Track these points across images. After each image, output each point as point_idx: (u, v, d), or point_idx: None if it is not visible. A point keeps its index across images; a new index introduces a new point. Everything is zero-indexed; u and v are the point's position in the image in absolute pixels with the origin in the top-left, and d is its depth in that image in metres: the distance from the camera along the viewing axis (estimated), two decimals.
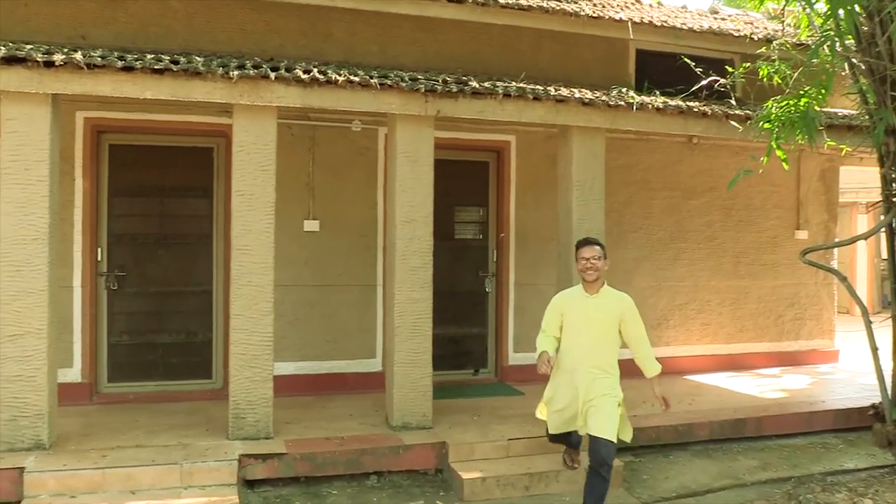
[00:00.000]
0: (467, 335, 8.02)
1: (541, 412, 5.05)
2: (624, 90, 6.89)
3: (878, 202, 6.34)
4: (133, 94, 5.30)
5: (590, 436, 4.55)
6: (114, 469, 4.87)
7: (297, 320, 7.16)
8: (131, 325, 6.94)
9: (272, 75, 5.44)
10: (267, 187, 5.60)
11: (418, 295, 6.02)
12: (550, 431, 5.00)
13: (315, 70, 5.67)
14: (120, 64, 5.16)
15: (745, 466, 6.09)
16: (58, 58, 5.05)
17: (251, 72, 5.40)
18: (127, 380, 6.85)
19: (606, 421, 4.50)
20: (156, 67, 5.24)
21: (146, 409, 6.48)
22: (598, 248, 4.70)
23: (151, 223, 7.02)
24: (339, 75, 5.64)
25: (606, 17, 7.70)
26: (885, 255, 16.28)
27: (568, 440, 5.11)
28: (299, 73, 5.54)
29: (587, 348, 4.66)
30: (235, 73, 5.33)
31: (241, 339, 5.56)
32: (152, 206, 7.03)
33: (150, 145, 6.96)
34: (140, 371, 6.90)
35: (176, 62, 5.36)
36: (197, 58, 5.64)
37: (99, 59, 5.15)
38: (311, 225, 7.20)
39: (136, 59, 5.26)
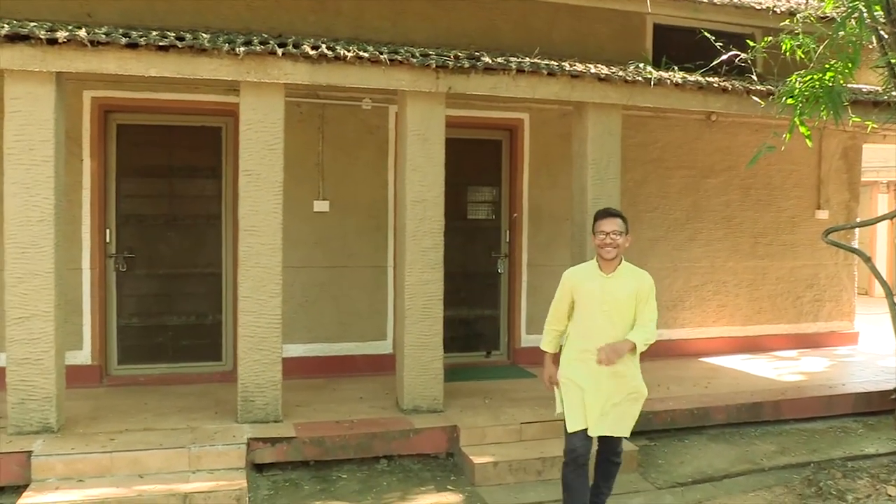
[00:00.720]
0: (479, 317, 7.91)
1: (559, 406, 4.26)
2: (641, 66, 6.70)
3: None
4: (138, 72, 5.19)
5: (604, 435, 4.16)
6: (122, 453, 4.82)
7: (306, 302, 7.08)
8: (141, 306, 6.88)
9: (279, 51, 5.31)
10: (275, 167, 5.48)
11: (429, 276, 5.90)
12: (572, 429, 4.11)
13: (324, 46, 5.52)
14: (124, 41, 5.04)
15: (762, 451, 5.96)
16: (61, 35, 4.94)
17: (258, 48, 5.27)
18: (137, 362, 6.81)
19: (629, 423, 4.15)
20: (160, 44, 5.12)
21: (155, 391, 6.44)
22: (619, 220, 4.07)
23: (160, 204, 6.94)
24: (349, 51, 5.50)
25: None
26: None
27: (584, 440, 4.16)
28: (307, 49, 5.40)
29: (603, 334, 4.03)
30: (242, 49, 5.20)
31: (249, 321, 5.48)
32: (161, 187, 6.95)
33: (158, 125, 6.86)
34: (150, 353, 6.86)
35: (181, 39, 5.23)
36: (203, 34, 5.51)
37: (103, 36, 5.03)
38: (321, 205, 7.08)
39: (141, 36, 5.14)
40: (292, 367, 6.55)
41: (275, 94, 5.47)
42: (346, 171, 7.17)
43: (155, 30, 5.53)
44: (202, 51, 5.19)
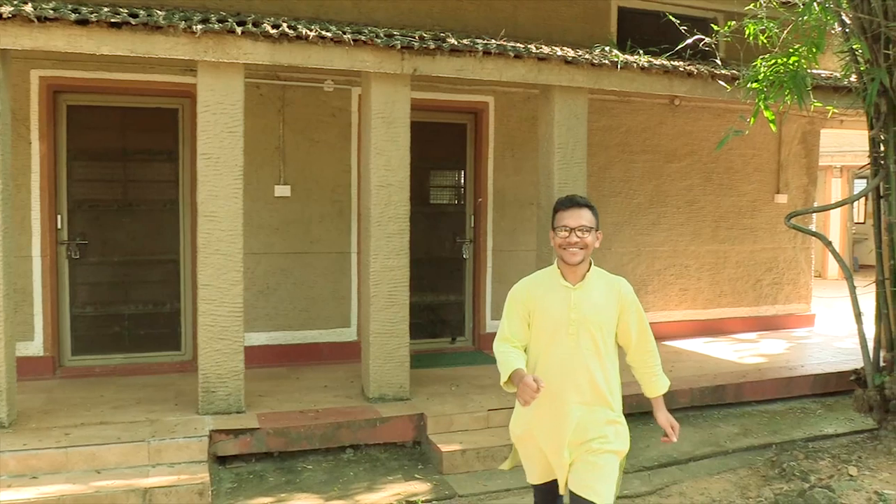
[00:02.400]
0: (444, 303, 7.84)
1: (511, 461, 3.42)
2: (607, 49, 6.66)
3: (864, 165, 6.21)
4: (89, 50, 4.96)
5: (572, 493, 3.01)
6: (77, 448, 4.64)
7: (268, 289, 6.92)
8: (95, 295, 6.64)
9: (239, 30, 5.12)
10: (234, 150, 5.31)
11: (394, 262, 5.81)
12: (531, 482, 3.28)
13: (285, 25, 5.35)
14: (73, 17, 4.81)
15: (726, 433, 6.03)
16: (5, 10, 4.69)
17: (216, 26, 5.07)
18: (92, 353, 6.58)
19: (603, 484, 2.97)
20: (113, 21, 4.90)
21: (112, 382, 6.23)
22: (588, 213, 3.03)
23: (114, 189, 6.69)
24: (311, 31, 5.33)
25: None
26: (857, 218, 16.34)
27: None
28: (268, 27, 5.23)
29: (570, 365, 3.01)
30: (199, 27, 5.00)
31: (209, 310, 5.32)
32: (115, 171, 6.69)
33: (112, 106, 6.59)
34: (105, 343, 6.63)
35: (135, 15, 5.01)
36: (158, 11, 5.28)
37: (51, 11, 4.79)
38: (282, 190, 6.91)
39: (92, 12, 4.90)
40: (254, 356, 6.42)
41: (234, 75, 5.29)
42: (308, 155, 7.00)
43: (107, 6, 5.29)
44: (157, 28, 4.98)
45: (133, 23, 4.92)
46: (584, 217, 3.02)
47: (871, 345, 5.78)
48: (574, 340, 3.01)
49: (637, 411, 6.14)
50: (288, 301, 7.01)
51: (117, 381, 6.29)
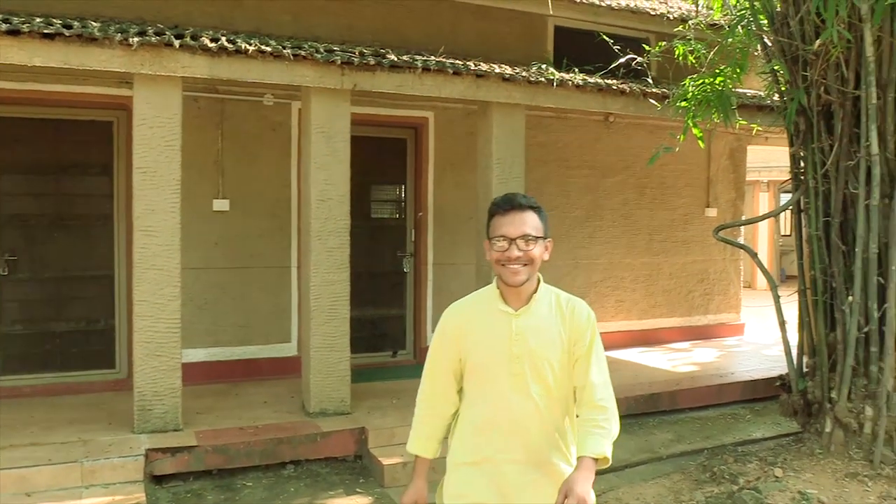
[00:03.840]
0: (385, 316, 7.86)
1: None
2: (543, 66, 6.83)
3: (785, 180, 6.52)
4: (20, 61, 4.86)
5: None
6: (6, 470, 4.50)
7: (207, 304, 6.82)
8: (25, 312, 6.43)
9: (176, 43, 5.09)
10: (172, 164, 5.25)
11: (335, 276, 5.81)
12: None
13: (223, 39, 5.33)
14: (4, 27, 4.71)
15: (661, 440, 6.21)
16: None
17: (153, 39, 5.03)
18: (21, 372, 6.35)
19: None
20: (45, 32, 4.81)
21: (43, 402, 6.04)
22: (532, 217, 2.35)
23: (45, 203, 6.51)
24: (250, 45, 5.33)
25: None
26: (783, 231, 17.02)
27: None
28: (206, 41, 5.21)
29: (515, 416, 2.37)
30: (135, 39, 4.95)
31: (145, 326, 5.23)
32: (46, 185, 6.52)
33: (43, 118, 6.43)
34: (36, 362, 6.42)
35: (69, 26, 4.93)
36: (93, 23, 5.21)
37: None
38: (221, 204, 6.84)
39: (24, 23, 4.81)
40: (193, 373, 6.30)
41: (171, 88, 5.24)
42: (247, 169, 6.96)
43: (39, 16, 5.18)
44: (92, 40, 4.91)
45: (67, 34, 4.85)
46: (527, 223, 2.32)
47: (794, 351, 6.05)
48: (519, 383, 2.35)
49: None
50: (227, 316, 6.92)
51: (49, 401, 6.10)
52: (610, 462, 2.32)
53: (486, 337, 2.41)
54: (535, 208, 2.39)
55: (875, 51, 5.00)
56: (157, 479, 4.97)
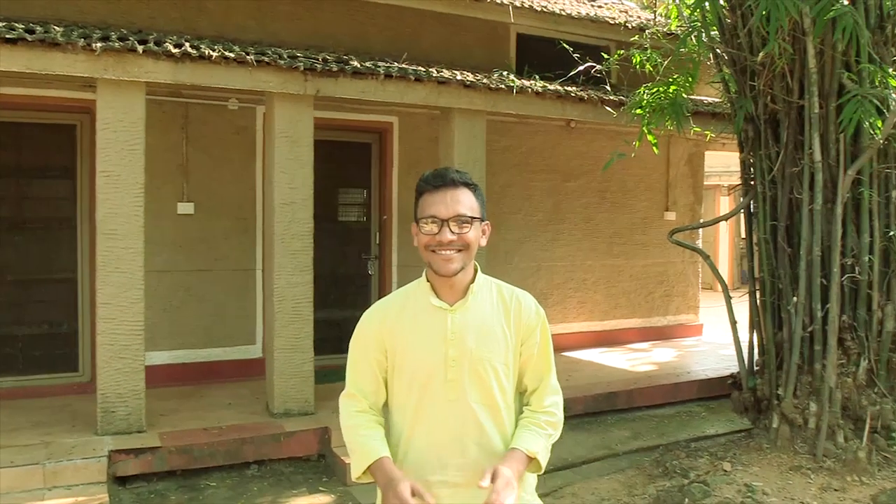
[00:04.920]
0: (350, 318, 7.77)
1: None
2: (505, 73, 6.99)
3: (737, 185, 6.76)
4: None
5: None
6: None
7: (170, 307, 6.85)
8: None
9: (140, 48, 5.14)
10: (135, 168, 5.30)
11: (299, 279, 5.90)
12: None
13: (187, 45, 5.40)
14: None
15: (617, 437, 6.39)
16: None
17: (116, 44, 5.08)
18: None
19: None
20: (8, 37, 4.84)
21: (5, 406, 6.01)
22: (466, 195, 2.04)
23: (6, 206, 6.49)
24: (213, 51, 5.40)
25: (488, 0, 7.76)
26: (744, 234, 17.45)
27: None
28: (169, 47, 5.26)
29: (453, 431, 2.05)
30: (99, 45, 5.00)
31: (109, 328, 5.26)
32: (7, 188, 6.51)
33: (5, 122, 6.41)
34: None
35: (31, 31, 4.96)
36: (56, 27, 5.23)
37: None
38: (185, 207, 6.88)
39: None
40: (157, 375, 6.34)
41: (135, 93, 5.29)
42: (211, 173, 7.01)
43: (1, 20, 5.20)
44: (55, 45, 4.95)
45: (29, 39, 4.88)
46: (460, 201, 2.02)
47: (745, 351, 6.27)
48: (456, 391, 2.03)
49: None
50: (191, 319, 6.96)
51: (11, 404, 6.07)
52: (542, 469, 2.06)
53: (417, 338, 2.06)
54: (470, 185, 2.07)
55: (817, 62, 5.23)
56: (121, 481, 5.01)
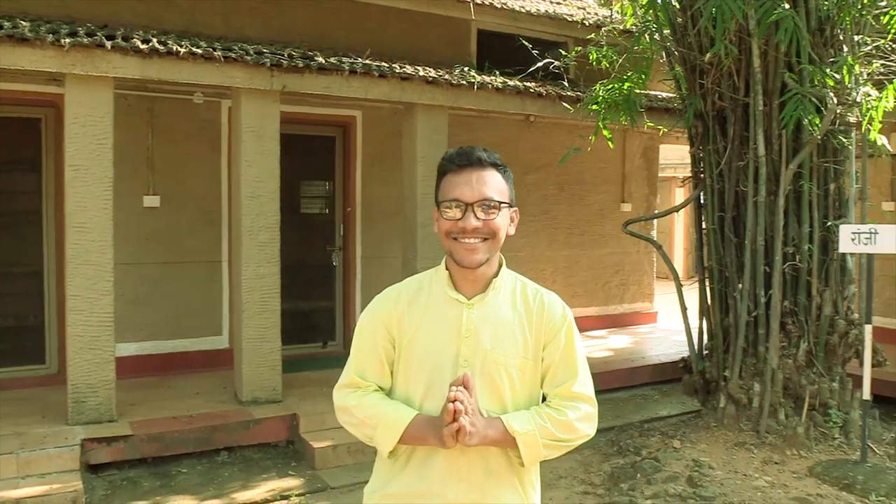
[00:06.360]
0: (315, 309, 8.10)
1: None
2: (466, 69, 7.18)
3: (688, 177, 7.07)
4: None
5: None
6: None
7: (137, 299, 6.93)
8: None
9: (108, 44, 5.21)
10: (104, 162, 5.37)
11: (266, 270, 6.03)
12: None
13: (155, 40, 5.48)
14: None
15: None
16: None
17: (85, 40, 5.14)
18: None
19: None
20: None
21: None
22: (494, 176, 1.86)
23: None
24: (181, 46, 5.49)
25: None
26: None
27: None
28: (138, 42, 5.34)
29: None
30: (67, 40, 5.05)
31: (79, 320, 5.34)
32: None
33: None
34: None
35: None
36: (23, 21, 5.27)
37: None
38: (152, 200, 6.95)
39: None
40: (124, 367, 6.41)
41: (103, 88, 5.36)
42: (177, 166, 7.08)
43: None
44: (23, 40, 4.99)
45: None
46: (488, 183, 1.82)
47: (695, 336, 6.60)
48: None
49: None
50: (158, 311, 7.04)
51: None
52: (524, 463, 1.82)
53: (428, 331, 1.86)
54: (499, 166, 1.87)
55: (761, 62, 5.54)
56: (93, 469, 5.12)
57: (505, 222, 1.85)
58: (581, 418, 1.85)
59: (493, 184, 1.82)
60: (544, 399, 1.92)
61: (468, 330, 1.84)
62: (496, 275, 1.90)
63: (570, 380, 1.87)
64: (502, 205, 1.83)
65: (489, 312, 1.86)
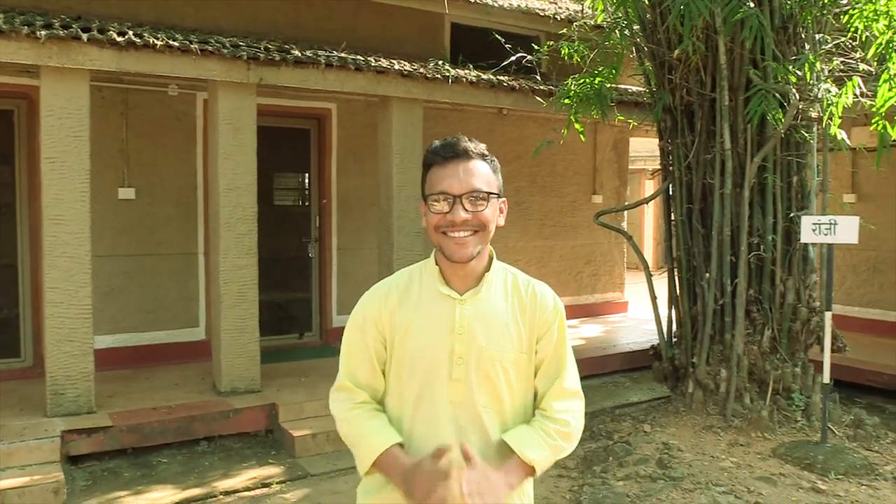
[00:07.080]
0: (292, 300, 8.16)
1: None
2: (441, 63, 7.26)
3: (657, 170, 7.25)
4: None
5: None
6: None
7: (113, 292, 6.93)
8: None
9: (84, 37, 5.21)
10: (81, 154, 5.37)
11: (244, 262, 6.08)
12: None
13: (131, 33, 5.48)
14: None
15: None
16: None
17: (61, 32, 5.13)
18: None
19: None
20: None
21: None
22: (482, 167, 1.84)
23: None
24: (158, 39, 5.51)
25: None
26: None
27: None
28: (114, 35, 5.35)
29: (451, 433, 1.81)
30: (43, 33, 5.04)
31: (57, 312, 5.35)
32: None
33: None
34: None
35: None
36: None
37: None
38: (127, 192, 6.95)
39: None
40: (101, 359, 6.39)
41: (79, 80, 5.36)
42: (152, 158, 7.08)
43: None
44: None
45: None
46: (475, 174, 1.80)
47: (665, 324, 6.79)
48: (461, 392, 1.81)
49: None
50: (134, 303, 7.05)
51: None
52: (537, 475, 1.83)
53: (420, 329, 1.83)
54: (486, 156, 1.85)
55: (727, 59, 5.71)
56: (73, 460, 5.15)
57: (494, 213, 1.83)
58: (578, 419, 1.89)
59: (481, 175, 1.80)
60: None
61: (462, 327, 1.81)
62: (487, 268, 1.88)
63: (561, 374, 1.89)
64: (491, 196, 1.81)
65: (482, 308, 1.84)
